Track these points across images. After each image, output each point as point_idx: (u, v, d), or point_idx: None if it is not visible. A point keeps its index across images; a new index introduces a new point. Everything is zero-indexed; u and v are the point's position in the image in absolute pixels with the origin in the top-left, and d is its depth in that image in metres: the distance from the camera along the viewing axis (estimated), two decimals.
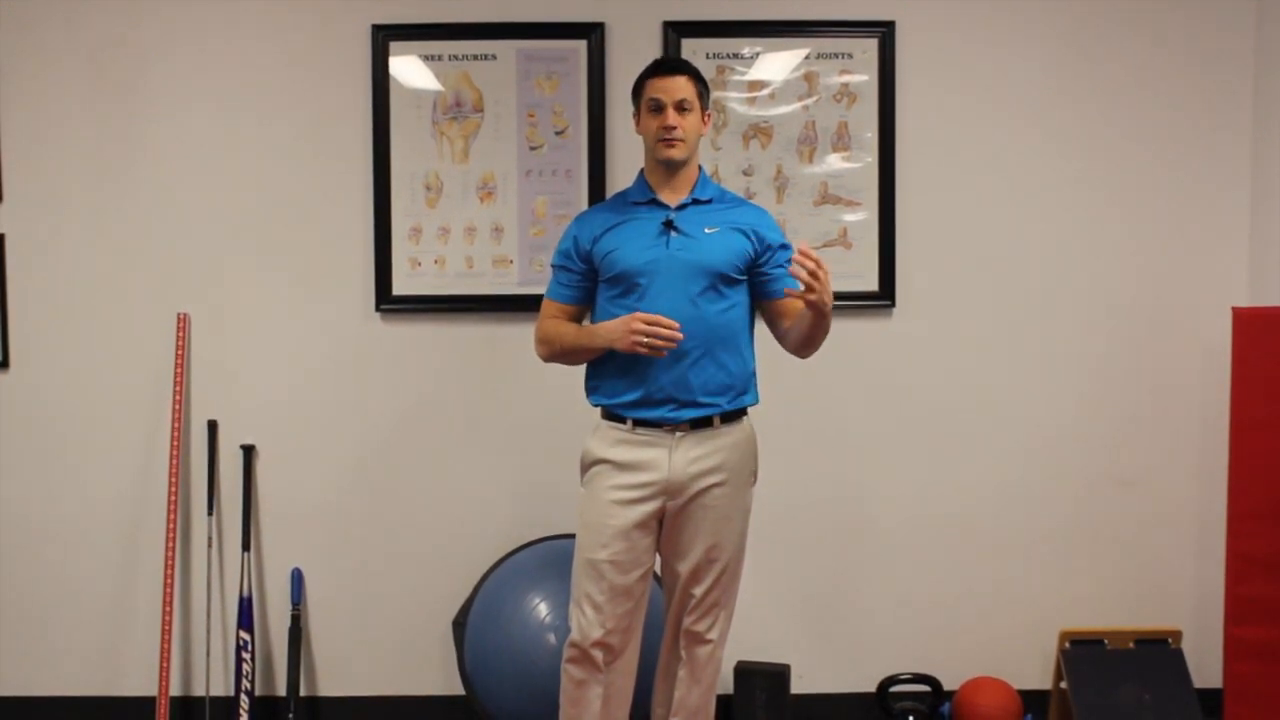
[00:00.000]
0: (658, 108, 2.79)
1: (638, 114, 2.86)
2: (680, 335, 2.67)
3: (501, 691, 3.27)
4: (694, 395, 2.76)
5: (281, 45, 3.53)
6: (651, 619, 2.97)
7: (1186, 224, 3.60)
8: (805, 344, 2.84)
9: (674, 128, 2.77)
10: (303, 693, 3.57)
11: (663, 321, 2.67)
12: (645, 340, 2.67)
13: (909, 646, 3.62)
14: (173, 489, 3.51)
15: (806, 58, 3.53)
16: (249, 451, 3.57)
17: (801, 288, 2.61)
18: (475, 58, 3.53)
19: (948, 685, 3.55)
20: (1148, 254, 3.60)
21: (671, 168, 2.82)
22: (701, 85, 2.84)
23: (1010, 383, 3.61)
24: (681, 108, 2.78)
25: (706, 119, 2.86)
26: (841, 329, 3.49)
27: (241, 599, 3.53)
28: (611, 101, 3.50)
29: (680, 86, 2.78)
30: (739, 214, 2.86)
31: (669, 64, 2.85)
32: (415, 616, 3.60)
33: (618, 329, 2.71)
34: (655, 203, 2.84)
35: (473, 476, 3.59)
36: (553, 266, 2.93)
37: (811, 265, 2.58)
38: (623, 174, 3.47)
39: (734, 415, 2.83)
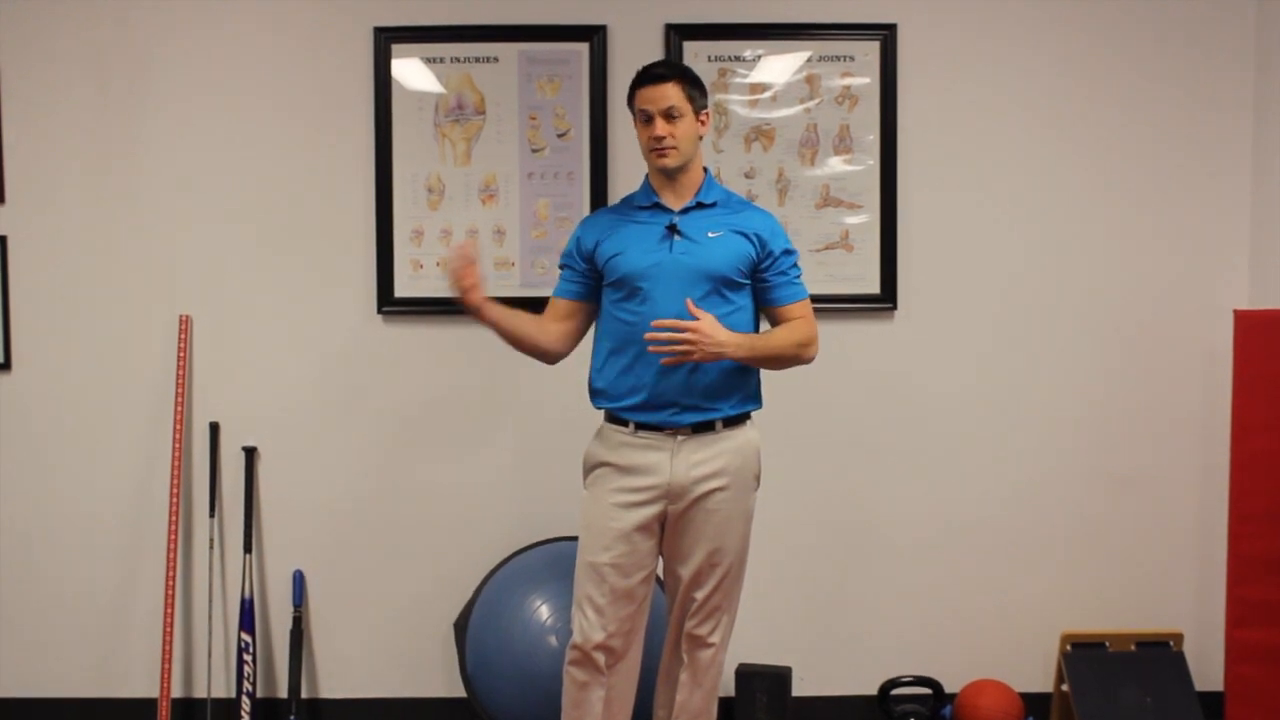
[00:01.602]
0: (647, 119, 2.78)
1: (635, 121, 2.86)
2: (682, 335, 2.65)
3: (503, 694, 3.27)
4: (696, 399, 2.76)
5: (284, 47, 3.53)
6: (653, 622, 2.97)
7: (1188, 227, 3.60)
8: (770, 369, 2.89)
9: (663, 138, 2.75)
10: (304, 694, 3.57)
11: (660, 323, 2.67)
12: (661, 347, 2.67)
13: (910, 649, 3.63)
14: (174, 491, 3.51)
15: (808, 60, 3.54)
16: (251, 453, 3.57)
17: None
18: (477, 60, 3.53)
19: (949, 688, 3.55)
20: (1149, 256, 3.60)
21: (671, 174, 2.82)
22: (693, 87, 2.80)
23: (1011, 385, 3.61)
24: (670, 116, 2.76)
25: (704, 119, 2.84)
26: (843, 332, 3.52)
27: (243, 601, 3.53)
28: (613, 104, 3.50)
29: (667, 95, 2.76)
30: (743, 218, 2.85)
31: (654, 73, 2.80)
32: (417, 618, 3.60)
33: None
34: (659, 206, 2.84)
35: (474, 478, 3.60)
36: (559, 268, 2.95)
37: (667, 335, 2.65)
38: (624, 176, 3.47)
39: (737, 420, 2.83)
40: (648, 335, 2.68)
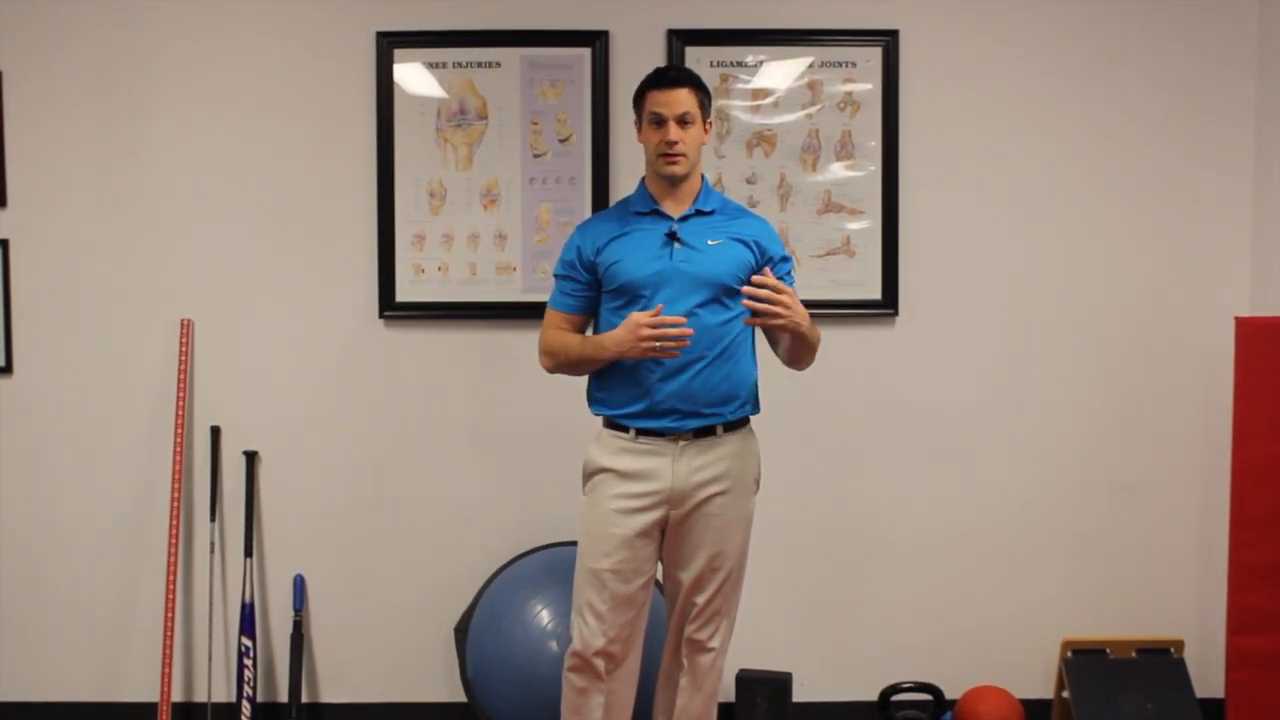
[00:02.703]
0: (659, 122, 2.77)
1: (639, 123, 2.85)
2: (689, 330, 2.65)
3: (503, 698, 3.27)
4: (697, 406, 2.76)
5: (286, 52, 3.54)
6: (653, 627, 2.97)
7: (1189, 233, 3.60)
8: (792, 361, 2.88)
9: (675, 143, 2.75)
10: (304, 699, 3.56)
11: (667, 320, 2.66)
12: (657, 344, 2.66)
13: (911, 655, 3.62)
14: (175, 495, 3.51)
15: (810, 66, 3.54)
16: (252, 457, 3.57)
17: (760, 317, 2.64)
18: (479, 65, 3.53)
19: (950, 694, 3.55)
20: (1151, 263, 3.60)
21: (673, 180, 2.82)
22: (703, 95, 2.81)
23: (1013, 391, 3.61)
24: (683, 121, 2.76)
25: (708, 128, 2.85)
26: (844, 337, 3.52)
27: (243, 605, 3.53)
28: (615, 109, 3.51)
29: (682, 100, 2.76)
30: (741, 225, 2.86)
31: (670, 76, 2.80)
32: (417, 623, 3.60)
33: (626, 338, 2.69)
34: (658, 213, 2.84)
35: (475, 483, 3.60)
36: (555, 276, 2.92)
37: (766, 294, 2.60)
38: (626, 182, 3.47)
39: (737, 424, 2.83)
40: (650, 324, 2.64)
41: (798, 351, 2.82)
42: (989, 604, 3.64)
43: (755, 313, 2.64)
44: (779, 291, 2.63)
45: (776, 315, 2.64)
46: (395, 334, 3.58)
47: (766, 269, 2.73)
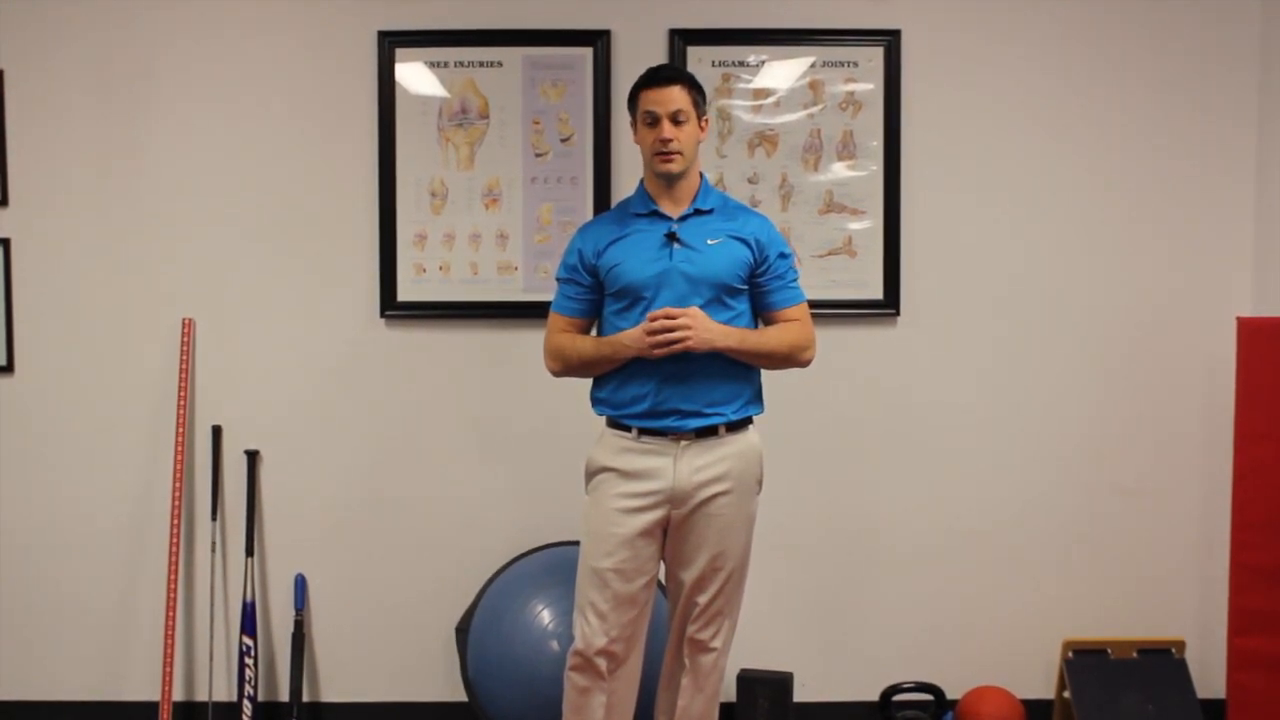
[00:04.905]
0: (653, 121, 2.76)
1: (635, 124, 2.85)
2: (677, 320, 2.66)
3: (504, 698, 3.27)
4: (699, 405, 2.76)
5: (288, 51, 3.54)
6: (655, 626, 2.96)
7: (1191, 234, 3.60)
8: (769, 369, 2.88)
9: (670, 140, 2.75)
10: (305, 698, 3.56)
11: (658, 316, 2.68)
12: (658, 340, 2.67)
13: (912, 655, 3.62)
14: (177, 494, 3.51)
15: (812, 66, 3.54)
16: (253, 457, 3.57)
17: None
18: (481, 64, 3.53)
19: (951, 694, 3.55)
20: (1152, 264, 3.60)
21: (670, 180, 2.82)
22: (697, 93, 2.81)
23: (1014, 391, 3.61)
24: (677, 119, 2.75)
25: (704, 125, 2.85)
26: (846, 337, 3.52)
27: (245, 604, 3.53)
28: (617, 109, 3.50)
29: (675, 98, 2.76)
30: (740, 223, 2.85)
31: (663, 75, 2.80)
32: (418, 622, 3.60)
33: (642, 335, 2.71)
34: (657, 214, 2.83)
35: (477, 483, 3.60)
36: (558, 280, 2.92)
37: (660, 324, 2.66)
38: (628, 181, 3.46)
39: (739, 424, 2.83)
40: (649, 330, 2.68)
41: (753, 362, 2.83)
42: (990, 604, 3.64)
43: (656, 346, 2.67)
44: (672, 318, 2.66)
45: (679, 340, 2.66)
46: (396, 334, 3.58)
47: (661, 311, 2.72)
